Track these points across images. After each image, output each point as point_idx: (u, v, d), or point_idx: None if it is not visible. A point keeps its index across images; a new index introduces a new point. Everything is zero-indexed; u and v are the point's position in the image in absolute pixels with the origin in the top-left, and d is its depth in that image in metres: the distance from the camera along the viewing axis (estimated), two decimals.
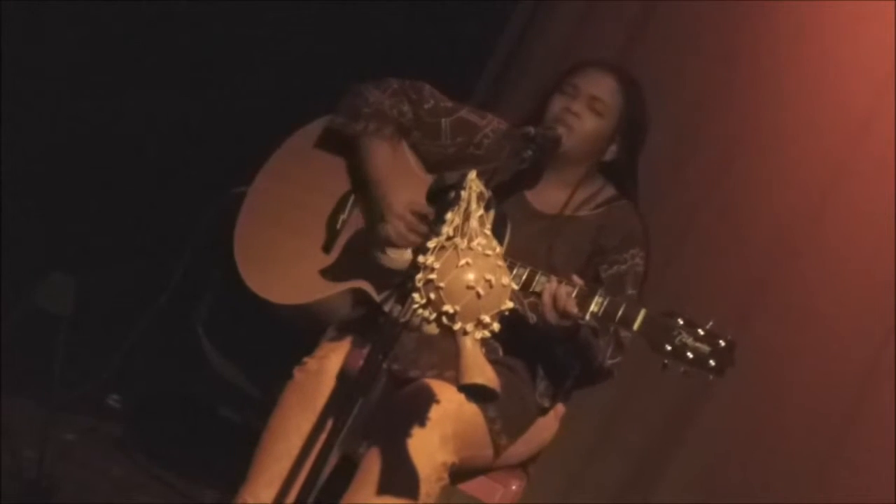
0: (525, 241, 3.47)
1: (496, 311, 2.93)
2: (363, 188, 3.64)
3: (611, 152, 3.59)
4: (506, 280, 2.94)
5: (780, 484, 4.63)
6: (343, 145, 3.68)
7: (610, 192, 3.62)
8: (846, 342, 4.62)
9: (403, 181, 3.57)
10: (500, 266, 2.94)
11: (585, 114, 3.54)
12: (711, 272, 4.80)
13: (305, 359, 3.48)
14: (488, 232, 2.96)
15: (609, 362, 3.49)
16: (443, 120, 3.66)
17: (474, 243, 2.92)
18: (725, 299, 4.71)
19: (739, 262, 4.79)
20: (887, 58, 4.63)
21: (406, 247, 3.48)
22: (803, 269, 4.71)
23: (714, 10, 4.92)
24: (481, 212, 2.96)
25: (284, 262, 3.62)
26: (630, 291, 3.50)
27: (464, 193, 2.97)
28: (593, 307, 3.26)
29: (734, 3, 4.88)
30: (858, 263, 4.64)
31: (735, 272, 4.78)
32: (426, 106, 3.66)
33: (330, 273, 3.57)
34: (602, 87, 3.57)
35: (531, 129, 3.43)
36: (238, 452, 3.49)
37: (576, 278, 3.32)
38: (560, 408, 3.65)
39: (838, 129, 4.72)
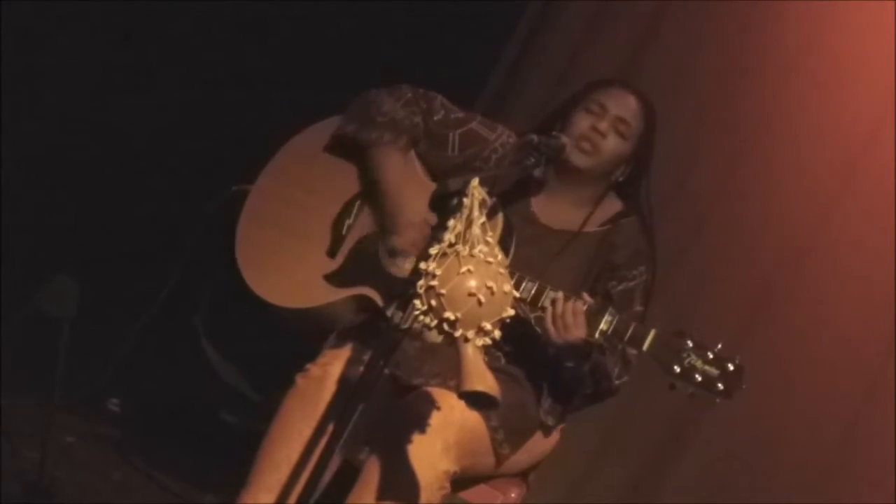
0: (534, 257, 3.47)
1: (497, 318, 2.93)
2: (372, 196, 3.63)
3: (623, 172, 3.59)
4: (507, 287, 2.94)
5: (783, 490, 4.63)
6: (350, 150, 3.67)
7: (618, 207, 3.61)
8: (850, 350, 4.62)
9: (411, 189, 3.56)
10: (501, 273, 2.94)
11: (611, 135, 3.54)
12: (717, 280, 4.80)
13: (308, 365, 3.48)
14: (490, 239, 2.96)
15: (616, 382, 3.49)
16: (451, 132, 3.65)
17: (476, 250, 2.92)
18: (731, 307, 4.71)
19: (745, 270, 4.78)
20: (892, 67, 4.63)
21: (417, 255, 3.47)
22: (808, 278, 4.71)
23: (721, 18, 4.92)
24: (483, 219, 2.96)
25: (288, 265, 3.61)
26: (638, 308, 3.50)
27: (466, 200, 2.97)
28: (603, 325, 3.27)
29: (741, 11, 4.88)
30: (863, 272, 4.64)
31: (740, 280, 4.78)
32: (436, 117, 3.65)
33: (335, 278, 3.56)
34: (627, 109, 3.56)
35: (534, 137, 3.42)
36: (239, 457, 3.49)
37: (586, 296, 3.32)
38: None
39: (844, 139, 4.72)
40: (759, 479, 4.65)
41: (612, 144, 3.54)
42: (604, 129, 3.53)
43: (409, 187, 3.57)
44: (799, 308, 4.71)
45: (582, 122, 3.54)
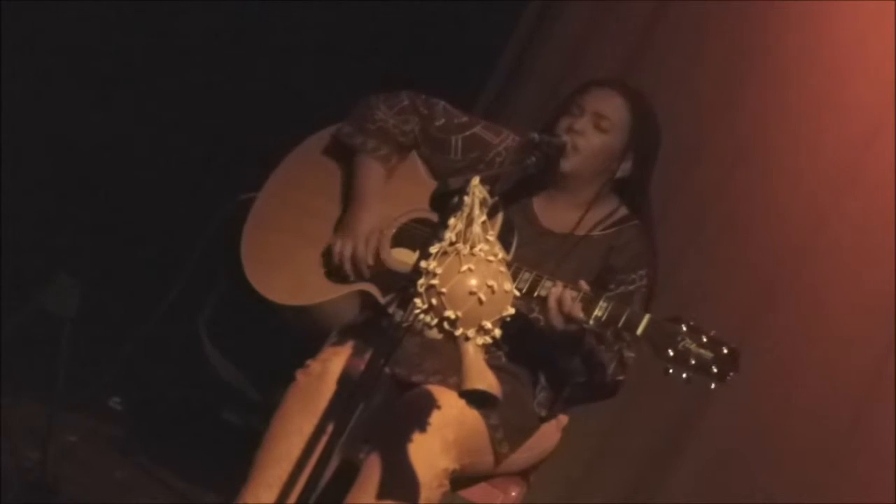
0: (533, 258, 3.47)
1: (498, 316, 2.93)
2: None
3: (624, 169, 3.57)
4: (508, 286, 2.94)
5: (784, 489, 4.63)
6: (351, 153, 3.70)
7: (622, 212, 3.61)
8: (850, 348, 4.63)
9: (379, 201, 3.58)
10: (502, 272, 2.94)
11: (589, 131, 3.52)
12: (717, 280, 4.80)
13: (308, 361, 3.48)
14: (491, 238, 2.96)
15: (611, 377, 3.49)
16: (453, 137, 3.66)
17: (477, 249, 2.92)
18: (731, 307, 4.71)
19: (745, 269, 4.79)
20: (892, 69, 4.63)
21: (343, 268, 3.51)
22: (808, 277, 4.71)
23: (720, 17, 4.92)
24: (484, 217, 2.96)
25: (291, 264, 3.63)
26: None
27: (467, 199, 2.97)
28: (597, 311, 3.27)
29: (741, 11, 4.88)
30: (862, 271, 4.64)
31: (740, 280, 4.78)
32: (437, 123, 3.66)
33: (336, 276, 3.58)
34: (606, 104, 3.55)
35: (535, 136, 3.43)
36: (240, 455, 3.49)
37: (581, 283, 3.32)
38: (563, 418, 3.65)
39: (844, 139, 4.72)
40: (759, 478, 4.66)
41: (594, 141, 3.52)
42: (580, 127, 3.52)
43: (378, 199, 3.59)
44: (799, 308, 4.71)
45: (560, 125, 3.54)
